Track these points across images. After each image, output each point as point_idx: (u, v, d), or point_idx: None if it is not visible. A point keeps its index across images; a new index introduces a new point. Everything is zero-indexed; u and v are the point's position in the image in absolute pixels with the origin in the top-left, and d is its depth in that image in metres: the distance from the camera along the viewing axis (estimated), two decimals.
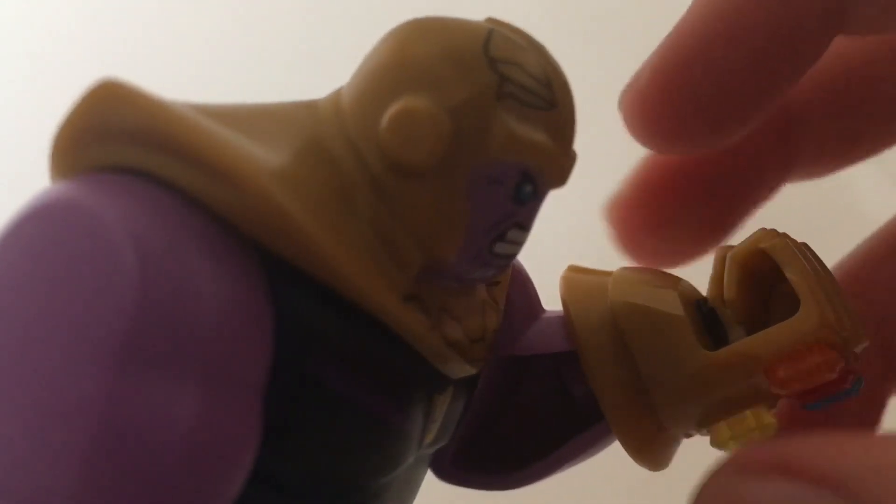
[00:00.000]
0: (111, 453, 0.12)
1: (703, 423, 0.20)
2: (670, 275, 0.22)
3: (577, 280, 0.22)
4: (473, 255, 0.17)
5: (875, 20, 0.20)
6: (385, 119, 0.16)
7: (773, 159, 0.23)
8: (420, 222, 0.16)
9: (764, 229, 0.20)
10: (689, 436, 0.21)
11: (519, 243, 0.17)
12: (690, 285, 0.22)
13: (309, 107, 0.17)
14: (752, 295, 0.20)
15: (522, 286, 0.22)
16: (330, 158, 0.16)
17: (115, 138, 0.15)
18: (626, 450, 0.21)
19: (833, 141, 0.24)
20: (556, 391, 0.22)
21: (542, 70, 0.17)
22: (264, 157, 0.15)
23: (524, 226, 0.17)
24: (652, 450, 0.21)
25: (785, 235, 0.20)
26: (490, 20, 0.17)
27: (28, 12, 0.63)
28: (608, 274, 0.22)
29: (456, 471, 0.22)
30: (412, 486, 0.20)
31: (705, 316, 0.21)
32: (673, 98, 0.20)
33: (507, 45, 0.17)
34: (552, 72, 0.17)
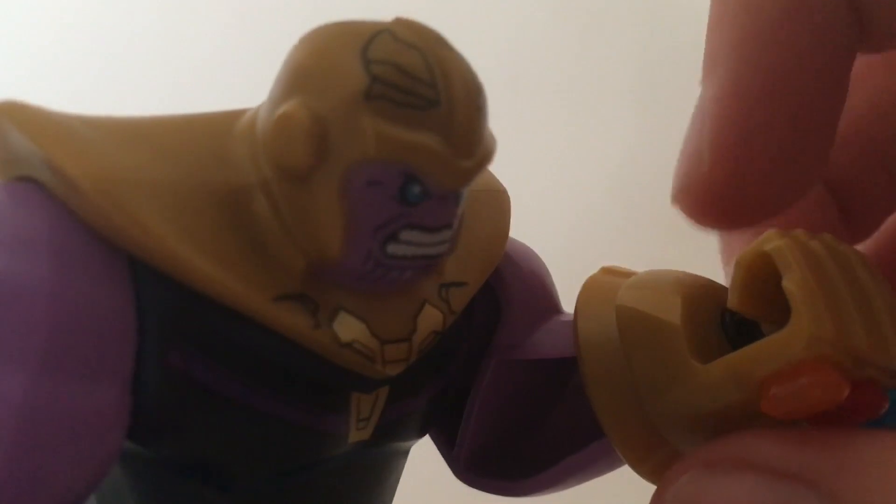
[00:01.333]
0: None
1: (705, 440, 0.18)
2: (699, 278, 0.20)
3: (598, 280, 0.21)
4: (363, 255, 0.17)
5: (893, 35, 0.19)
6: (270, 124, 0.16)
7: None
8: (300, 224, 0.17)
9: (774, 229, 0.18)
10: None
11: (423, 244, 0.17)
12: (722, 289, 0.20)
13: (234, 116, 0.18)
14: (776, 301, 0.18)
15: (527, 286, 0.22)
16: (223, 166, 0.17)
17: (19, 155, 0.17)
18: (627, 463, 0.20)
19: None
20: (581, 398, 0.21)
21: (424, 68, 0.16)
22: (132, 167, 0.16)
23: (425, 227, 0.17)
24: (655, 463, 0.19)
25: (802, 237, 0.18)
26: (395, 20, 0.17)
27: (28, 12, 0.63)
28: (633, 275, 0.21)
29: (468, 471, 0.22)
30: (364, 483, 0.20)
31: (738, 323, 0.19)
32: (744, 180, 0.18)
33: (390, 45, 0.16)
34: (440, 70, 0.16)
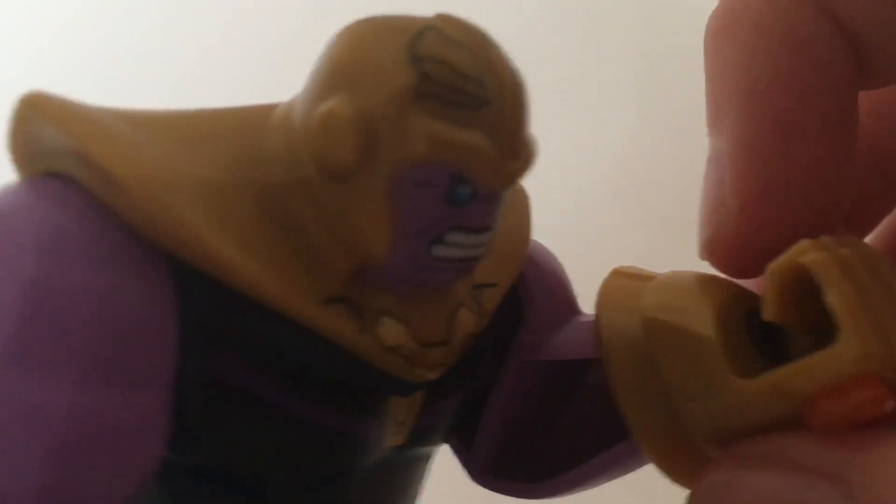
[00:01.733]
0: None
1: None
2: (720, 280, 0.20)
3: (616, 284, 0.21)
4: (409, 257, 0.16)
5: (893, 71, 0.19)
6: (312, 121, 0.16)
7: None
8: (345, 225, 0.16)
9: (809, 239, 0.18)
10: None
11: (468, 246, 0.17)
12: (745, 292, 0.20)
13: (266, 111, 0.17)
14: (805, 307, 0.18)
15: (548, 287, 0.22)
16: (262, 163, 0.17)
17: (46, 148, 0.16)
18: (659, 469, 0.19)
19: None
20: (605, 400, 0.21)
21: (473, 66, 0.16)
22: (173, 164, 0.16)
23: (471, 228, 0.17)
24: (688, 468, 0.19)
25: (832, 245, 0.18)
26: (438, 16, 0.17)
27: (29, 12, 0.63)
28: (651, 278, 0.21)
29: (486, 474, 0.22)
30: (393, 488, 0.20)
31: (762, 327, 0.19)
32: (772, 228, 0.19)
33: (438, 42, 0.16)
34: (489, 68, 0.16)
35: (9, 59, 0.65)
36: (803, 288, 0.17)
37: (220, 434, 0.16)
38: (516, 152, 0.17)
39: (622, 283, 0.21)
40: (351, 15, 0.17)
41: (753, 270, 0.19)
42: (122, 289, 0.15)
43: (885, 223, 0.25)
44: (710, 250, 0.20)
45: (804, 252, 0.17)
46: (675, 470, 0.19)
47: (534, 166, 0.17)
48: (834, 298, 0.17)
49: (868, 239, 0.25)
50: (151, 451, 0.15)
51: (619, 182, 0.52)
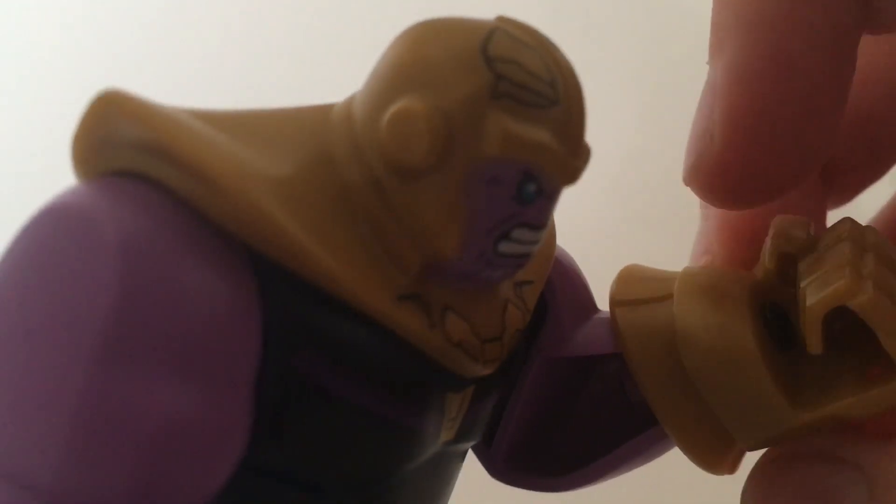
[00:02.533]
0: (89, 442, 0.14)
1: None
2: (740, 276, 0.21)
3: (631, 283, 0.22)
4: (477, 254, 0.17)
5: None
6: (384, 120, 0.16)
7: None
8: (418, 223, 0.16)
9: (846, 269, 0.18)
10: None
11: (528, 242, 0.17)
12: (759, 282, 0.21)
13: (322, 111, 0.18)
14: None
15: (571, 285, 0.22)
16: (331, 162, 0.17)
17: (119, 146, 0.16)
18: (690, 457, 0.20)
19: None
20: (616, 393, 0.22)
21: (544, 68, 0.17)
22: (254, 162, 0.16)
23: (533, 225, 0.17)
24: (719, 456, 0.20)
25: (861, 268, 0.18)
26: (499, 18, 0.17)
27: (36, 12, 0.60)
28: (668, 279, 0.21)
29: (507, 470, 0.22)
30: (437, 483, 0.20)
31: (778, 317, 0.20)
32: (754, 160, 0.19)
33: (508, 43, 0.16)
34: (557, 69, 0.17)
35: (9, 59, 0.63)
36: (838, 312, 0.18)
37: (293, 430, 0.16)
38: (579, 150, 0.17)
39: (635, 282, 0.22)
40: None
41: (733, 202, 0.20)
42: (208, 288, 0.15)
43: (884, 211, 0.26)
44: (692, 177, 0.20)
45: (852, 292, 0.17)
46: (706, 457, 0.20)
47: (589, 163, 0.18)
48: (890, 342, 0.17)
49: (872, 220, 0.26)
50: (237, 451, 0.15)
51: (619, 182, 0.53)
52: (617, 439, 0.22)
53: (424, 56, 0.16)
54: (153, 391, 0.14)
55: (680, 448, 0.20)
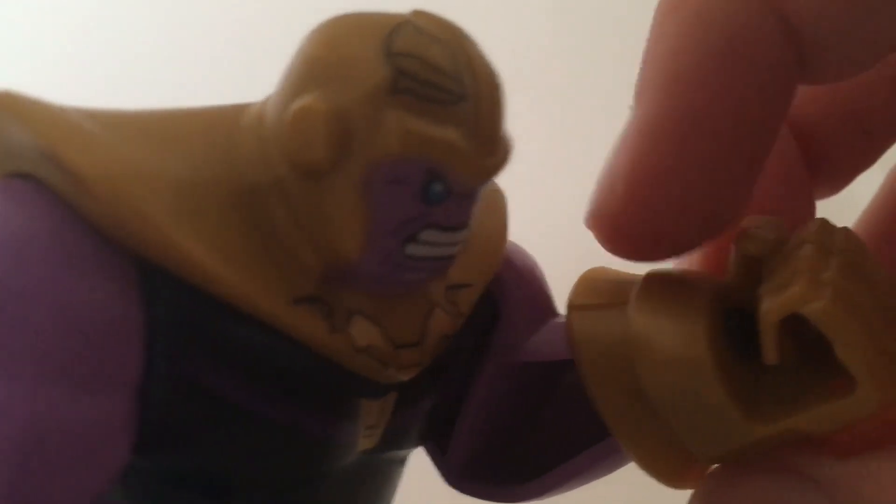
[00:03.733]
0: None
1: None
2: (705, 280, 0.20)
3: (592, 286, 0.21)
4: (382, 257, 0.16)
5: (835, 68, 0.19)
6: (285, 119, 0.16)
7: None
8: (317, 224, 0.16)
9: (802, 275, 0.17)
10: None
11: (442, 244, 0.17)
12: (721, 286, 0.20)
13: (237, 110, 0.17)
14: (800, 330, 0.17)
15: (526, 287, 0.22)
16: (236, 162, 0.16)
17: (12, 148, 0.16)
18: (643, 469, 0.19)
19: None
20: (580, 401, 0.21)
21: (451, 62, 0.16)
22: (145, 164, 0.16)
23: (444, 226, 0.17)
24: (674, 468, 0.19)
25: (820, 275, 0.17)
26: (414, 12, 0.17)
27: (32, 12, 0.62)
28: (629, 283, 0.20)
29: (463, 479, 0.22)
30: (367, 492, 0.20)
31: (747, 325, 0.19)
32: (653, 217, 0.18)
33: (414, 37, 0.16)
34: (466, 64, 0.16)
35: (9, 60, 0.65)
36: (799, 321, 0.17)
37: (188, 438, 0.16)
38: (492, 149, 0.17)
39: (595, 286, 0.21)
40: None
41: (629, 256, 0.19)
42: (85, 291, 0.15)
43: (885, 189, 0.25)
44: (591, 223, 0.19)
45: (805, 299, 0.17)
46: (659, 469, 0.19)
47: (509, 162, 0.17)
48: (845, 350, 0.16)
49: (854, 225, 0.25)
50: (118, 454, 0.15)
51: None
52: (576, 449, 0.21)
53: (329, 52, 0.16)
54: (18, 392, 0.14)
55: (633, 460, 0.19)
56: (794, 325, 0.17)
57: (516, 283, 0.21)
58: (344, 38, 0.16)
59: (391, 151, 0.16)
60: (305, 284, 0.16)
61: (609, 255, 0.21)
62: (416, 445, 0.21)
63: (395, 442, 0.19)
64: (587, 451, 0.21)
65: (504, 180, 0.21)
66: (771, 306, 0.17)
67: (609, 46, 0.54)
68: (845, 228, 0.19)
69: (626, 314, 0.19)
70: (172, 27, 0.66)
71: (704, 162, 0.18)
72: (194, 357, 0.16)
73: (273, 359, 0.16)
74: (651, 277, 0.20)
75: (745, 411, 0.18)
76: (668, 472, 0.19)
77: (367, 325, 0.17)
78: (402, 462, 0.21)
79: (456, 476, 0.22)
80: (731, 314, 0.19)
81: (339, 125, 0.15)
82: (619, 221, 0.18)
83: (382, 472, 0.20)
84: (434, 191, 0.16)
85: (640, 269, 0.21)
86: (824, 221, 0.19)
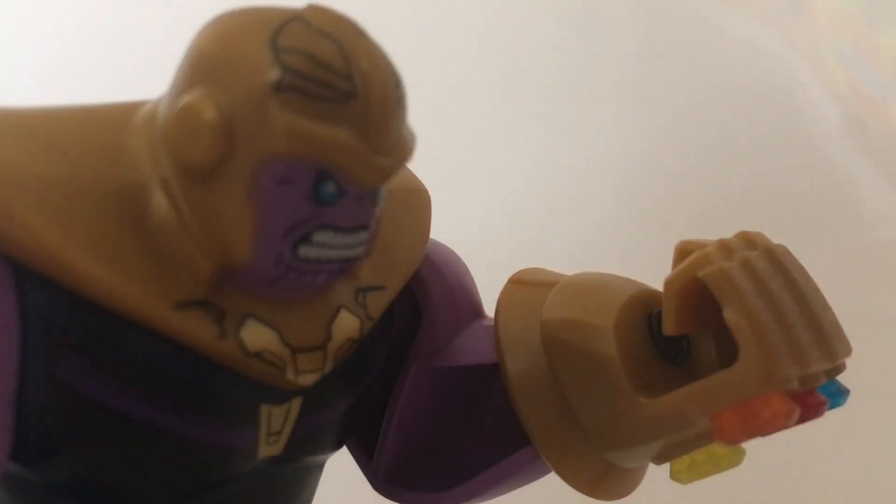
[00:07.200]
0: None
1: (661, 460, 0.19)
2: (622, 285, 0.20)
3: (515, 291, 0.20)
4: (274, 259, 0.16)
5: None
6: (171, 118, 0.15)
7: None
8: (206, 226, 0.16)
9: (703, 249, 0.17)
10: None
11: (338, 247, 0.16)
12: (646, 292, 0.19)
13: (132, 108, 0.17)
14: (707, 310, 0.17)
15: (450, 292, 0.21)
16: (123, 162, 0.16)
17: None
18: (561, 477, 0.19)
19: None
20: (506, 407, 0.20)
21: (340, 59, 0.15)
22: (21, 165, 0.15)
23: (339, 227, 0.16)
24: (592, 475, 0.19)
25: (730, 245, 0.17)
26: (308, 7, 0.16)
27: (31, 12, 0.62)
28: (552, 285, 0.20)
29: (387, 484, 0.21)
30: (273, 501, 0.19)
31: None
32: None
33: (302, 33, 0.15)
34: (357, 61, 0.15)
35: (9, 60, 0.65)
36: (703, 294, 0.17)
37: (71, 446, 0.16)
38: (387, 147, 0.16)
39: (521, 290, 0.20)
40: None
41: None
42: None
43: None
44: None
45: (701, 264, 0.17)
46: (577, 476, 0.19)
47: (408, 161, 0.17)
48: (731, 316, 0.16)
49: None
50: None
51: (619, 182, 0.51)
52: (500, 456, 0.20)
53: (217, 47, 0.15)
54: None
55: (549, 464, 0.19)
56: (724, 336, 0.17)
57: (439, 286, 0.21)
58: (233, 33, 0.15)
59: (278, 151, 0.15)
60: (194, 287, 0.16)
61: (625, 253, 0.19)
62: (332, 451, 0.20)
63: (304, 448, 0.18)
64: (507, 459, 0.20)
65: (429, 179, 0.21)
66: (674, 274, 0.17)
67: (610, 46, 0.52)
68: (781, 246, 0.18)
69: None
70: (173, 27, 0.66)
71: None
72: (71, 361, 0.15)
73: (157, 364, 0.16)
74: (571, 278, 0.20)
75: (637, 388, 0.18)
76: (586, 480, 0.19)
77: (261, 329, 0.16)
78: (318, 468, 0.20)
79: (381, 482, 0.21)
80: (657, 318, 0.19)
81: (224, 125, 0.15)
82: None
83: (295, 479, 0.20)
84: (325, 191, 0.15)
85: (571, 271, 0.21)
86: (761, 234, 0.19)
